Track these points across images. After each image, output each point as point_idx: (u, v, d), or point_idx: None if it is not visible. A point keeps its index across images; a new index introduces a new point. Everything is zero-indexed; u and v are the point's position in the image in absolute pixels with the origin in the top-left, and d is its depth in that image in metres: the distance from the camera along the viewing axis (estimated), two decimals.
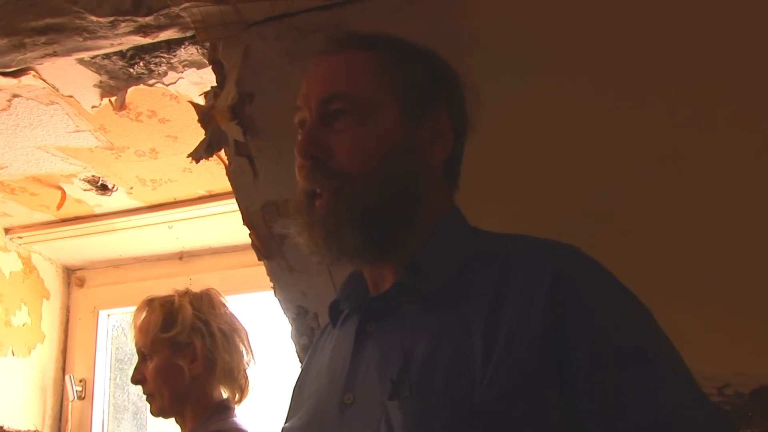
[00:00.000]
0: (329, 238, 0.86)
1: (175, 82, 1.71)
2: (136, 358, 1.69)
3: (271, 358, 2.41)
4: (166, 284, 1.81)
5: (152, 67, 1.63)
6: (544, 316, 0.74)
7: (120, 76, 1.69)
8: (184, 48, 1.56)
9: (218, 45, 1.40)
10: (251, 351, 1.72)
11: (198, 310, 1.67)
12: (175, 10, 1.33)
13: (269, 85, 1.37)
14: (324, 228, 0.86)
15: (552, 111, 1.28)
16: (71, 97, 1.80)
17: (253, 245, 1.53)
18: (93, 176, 2.28)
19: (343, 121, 0.87)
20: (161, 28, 1.40)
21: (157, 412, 1.64)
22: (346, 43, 0.93)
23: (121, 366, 2.83)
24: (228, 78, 1.40)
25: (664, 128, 1.26)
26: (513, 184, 1.35)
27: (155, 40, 1.47)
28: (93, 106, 1.84)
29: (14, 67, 1.58)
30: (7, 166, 2.16)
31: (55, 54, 1.49)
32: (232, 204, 1.82)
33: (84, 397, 2.71)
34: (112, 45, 1.47)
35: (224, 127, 1.41)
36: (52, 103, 1.83)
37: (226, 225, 2.45)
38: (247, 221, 1.51)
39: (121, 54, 1.59)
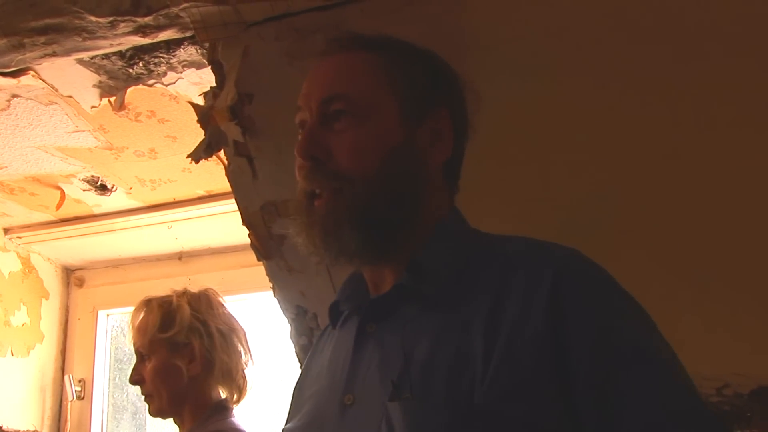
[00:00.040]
0: (328, 239, 0.86)
1: (174, 83, 1.71)
2: (134, 359, 1.69)
3: (271, 358, 2.41)
4: (166, 284, 1.81)
5: (151, 67, 1.63)
6: (544, 317, 0.74)
7: (119, 77, 1.69)
8: (184, 48, 1.56)
9: (217, 45, 1.40)
10: (249, 351, 1.72)
11: (196, 311, 1.67)
12: (175, 10, 1.33)
13: (269, 85, 1.37)
14: (323, 228, 0.86)
15: (552, 111, 1.28)
16: (70, 97, 1.79)
17: (252, 245, 1.53)
18: (92, 176, 2.27)
19: (343, 121, 0.87)
20: (160, 28, 1.40)
21: (155, 412, 1.64)
22: (347, 43, 0.93)
23: (120, 366, 2.82)
24: (227, 78, 1.40)
25: (664, 128, 1.26)
26: (513, 184, 1.35)
27: (154, 41, 1.47)
28: (92, 106, 1.84)
29: (13, 67, 1.58)
30: (6, 166, 2.16)
31: (54, 54, 1.49)
32: (231, 204, 1.81)
33: (83, 397, 2.71)
34: (111, 45, 1.47)
35: (223, 128, 1.41)
36: (52, 103, 1.83)
37: (226, 225, 2.45)
38: (246, 221, 1.51)
39: (121, 54, 1.59)
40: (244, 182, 1.47)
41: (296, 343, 1.61)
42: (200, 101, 1.49)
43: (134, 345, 1.67)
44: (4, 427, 2.48)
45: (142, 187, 2.34)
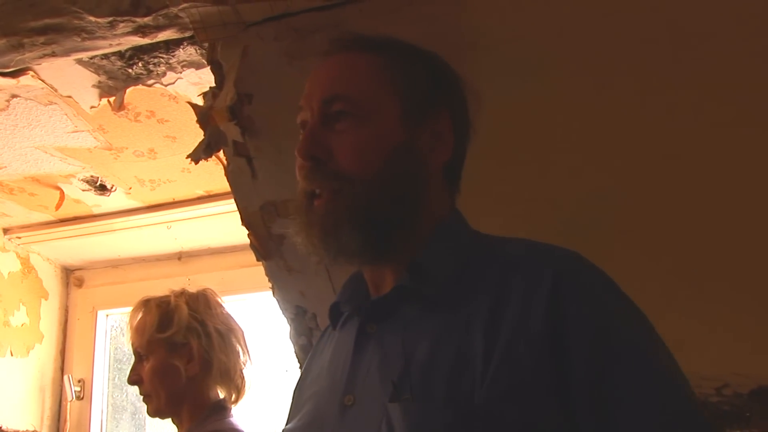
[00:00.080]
0: (327, 239, 0.86)
1: (173, 83, 1.71)
2: (134, 359, 1.68)
3: (270, 358, 2.41)
4: (165, 284, 1.81)
5: (151, 67, 1.63)
6: (543, 317, 0.75)
7: (119, 77, 1.69)
8: (183, 48, 1.56)
9: (217, 45, 1.40)
10: (248, 351, 1.72)
11: (194, 311, 1.66)
12: (174, 10, 1.33)
13: (268, 85, 1.37)
14: (322, 228, 0.86)
15: (552, 111, 1.28)
16: (70, 97, 1.79)
17: (252, 245, 1.53)
18: (92, 176, 2.27)
19: (344, 122, 0.87)
20: (160, 28, 1.39)
21: (153, 412, 1.64)
22: (349, 44, 0.93)
23: (119, 366, 2.82)
24: (227, 78, 1.40)
25: (664, 128, 1.26)
26: (513, 184, 1.35)
27: (154, 41, 1.47)
28: (92, 107, 1.84)
29: (13, 67, 1.58)
30: (5, 167, 2.16)
31: (53, 54, 1.49)
32: (230, 204, 1.81)
33: (82, 398, 2.71)
34: (110, 45, 1.47)
35: (223, 128, 1.41)
36: (51, 103, 1.83)
37: (225, 225, 2.45)
38: (245, 221, 1.51)
39: (120, 54, 1.59)
40: (243, 182, 1.47)
41: (295, 343, 1.61)
42: (199, 101, 1.49)
43: (132, 345, 1.67)
44: (4, 428, 2.48)
45: (141, 187, 2.34)
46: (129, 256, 2.79)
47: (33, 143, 2.03)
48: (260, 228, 1.50)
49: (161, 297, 1.69)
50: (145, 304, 1.69)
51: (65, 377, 2.73)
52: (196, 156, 1.44)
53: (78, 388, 2.71)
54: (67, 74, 1.68)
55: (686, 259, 1.32)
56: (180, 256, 2.75)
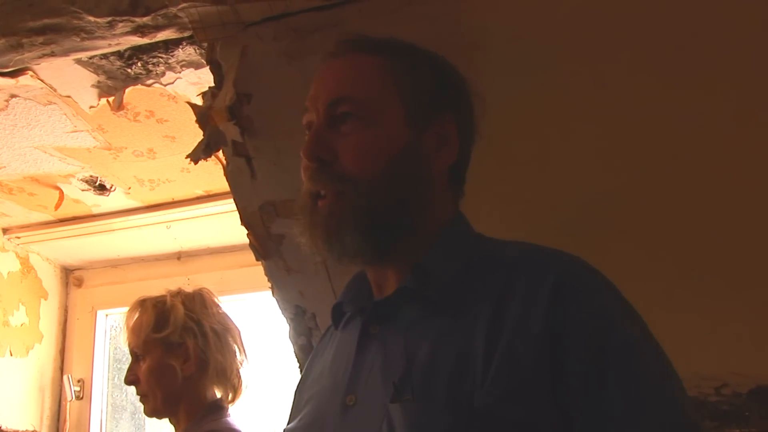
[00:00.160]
0: (331, 239, 0.86)
1: (173, 83, 1.71)
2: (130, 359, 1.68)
3: (269, 358, 2.41)
4: (164, 284, 1.81)
5: (150, 67, 1.63)
6: (544, 320, 0.75)
7: (118, 77, 1.69)
8: (182, 48, 1.55)
9: (216, 45, 1.40)
10: (244, 350, 1.72)
11: (190, 310, 1.66)
12: (173, 10, 1.33)
13: (267, 85, 1.37)
14: (326, 229, 0.86)
15: (552, 111, 1.28)
16: (69, 97, 1.79)
17: (251, 245, 1.53)
18: (91, 176, 2.27)
19: (349, 124, 0.87)
20: (159, 28, 1.39)
21: (150, 412, 1.64)
22: (355, 46, 0.93)
23: (119, 366, 2.82)
24: (226, 78, 1.39)
25: (664, 128, 1.26)
26: (513, 184, 1.35)
27: (153, 41, 1.47)
28: (91, 106, 1.84)
29: (12, 67, 1.58)
30: (5, 166, 2.16)
31: (52, 54, 1.49)
32: (230, 204, 1.81)
33: (82, 397, 2.71)
34: (109, 45, 1.47)
35: (222, 128, 1.40)
36: (50, 103, 1.83)
37: (224, 225, 2.45)
38: (245, 221, 1.51)
39: (119, 54, 1.59)
40: (242, 182, 1.47)
41: (295, 343, 1.61)
42: (199, 101, 1.48)
43: (129, 345, 1.67)
44: (3, 427, 2.48)
45: (140, 187, 2.34)
46: (128, 256, 2.79)
47: (32, 143, 2.03)
48: (259, 228, 1.50)
49: (157, 297, 1.69)
50: (142, 304, 1.69)
51: (65, 377, 2.72)
52: (196, 156, 1.44)
53: (77, 388, 2.71)
54: (66, 74, 1.68)
55: (686, 259, 1.32)
56: (179, 256, 2.75)
